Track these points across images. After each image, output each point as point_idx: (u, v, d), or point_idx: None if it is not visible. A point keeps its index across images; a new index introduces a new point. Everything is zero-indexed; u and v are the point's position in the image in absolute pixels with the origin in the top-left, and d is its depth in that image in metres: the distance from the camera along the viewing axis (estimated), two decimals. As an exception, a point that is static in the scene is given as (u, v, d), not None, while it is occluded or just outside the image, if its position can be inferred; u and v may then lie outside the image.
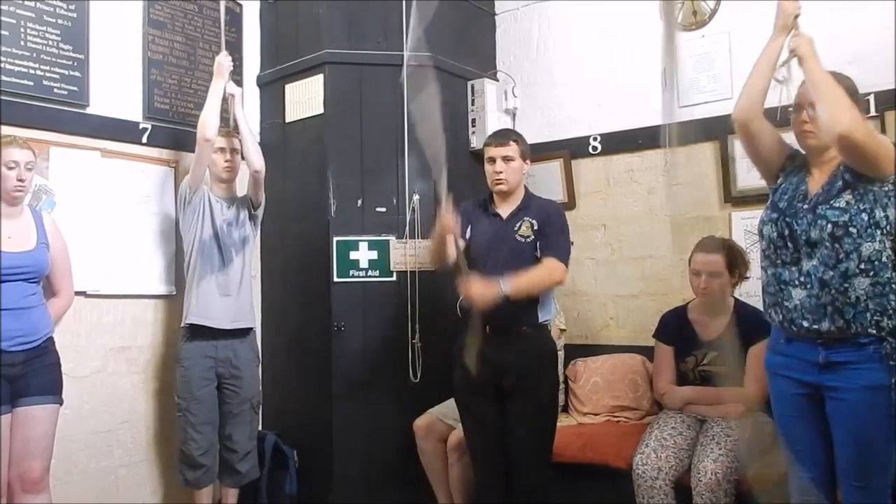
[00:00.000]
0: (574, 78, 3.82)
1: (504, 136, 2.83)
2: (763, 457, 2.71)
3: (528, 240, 2.71)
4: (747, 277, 2.95)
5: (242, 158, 3.27)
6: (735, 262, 2.89)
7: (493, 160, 2.77)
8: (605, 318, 3.69)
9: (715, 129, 3.30)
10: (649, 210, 3.56)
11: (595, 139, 3.71)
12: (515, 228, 2.73)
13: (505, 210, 2.80)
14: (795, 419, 2.17)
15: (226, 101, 3.21)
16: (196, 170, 3.11)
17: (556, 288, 2.88)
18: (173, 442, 3.27)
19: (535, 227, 2.71)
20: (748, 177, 3.17)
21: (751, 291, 3.06)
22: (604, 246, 3.70)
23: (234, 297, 3.18)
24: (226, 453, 3.18)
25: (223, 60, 3.16)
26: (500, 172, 2.74)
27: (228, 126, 3.30)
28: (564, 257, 2.70)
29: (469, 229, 2.80)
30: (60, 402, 2.72)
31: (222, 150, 3.20)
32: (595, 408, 3.40)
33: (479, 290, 2.54)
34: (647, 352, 3.30)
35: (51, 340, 2.74)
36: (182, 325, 3.15)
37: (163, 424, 3.35)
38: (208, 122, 3.05)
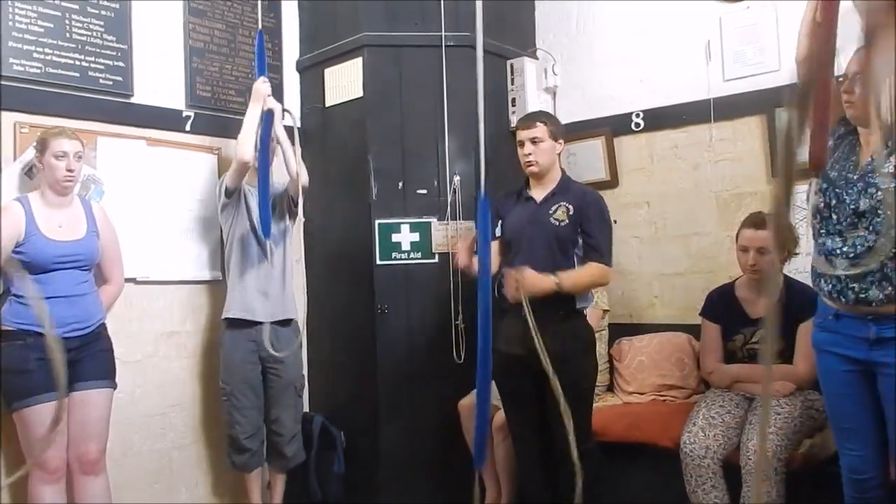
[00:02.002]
0: (615, 54, 3.75)
1: (531, 118, 2.81)
2: (813, 435, 2.69)
3: (563, 224, 2.69)
4: (797, 253, 2.88)
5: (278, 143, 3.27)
6: (784, 238, 2.82)
7: (522, 143, 2.77)
8: (650, 296, 3.65)
9: (762, 103, 3.22)
10: (694, 186, 3.49)
11: (637, 115, 3.64)
12: (551, 212, 2.72)
13: (539, 193, 2.78)
14: (845, 396, 2.13)
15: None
16: (234, 177, 3.12)
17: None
18: (223, 425, 3.34)
19: (571, 213, 2.69)
20: (797, 150, 3.08)
21: (800, 268, 2.99)
22: (647, 224, 3.65)
23: (276, 291, 3.21)
24: (272, 437, 3.24)
25: (260, 87, 3.10)
26: (530, 154, 2.74)
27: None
28: (610, 257, 2.71)
29: (500, 224, 2.80)
30: (114, 386, 2.81)
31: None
32: (641, 387, 3.38)
33: (532, 280, 2.54)
34: (694, 330, 3.25)
35: (103, 326, 2.82)
36: (224, 317, 3.21)
37: (213, 407, 3.41)
38: (246, 147, 3.05)
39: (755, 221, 2.85)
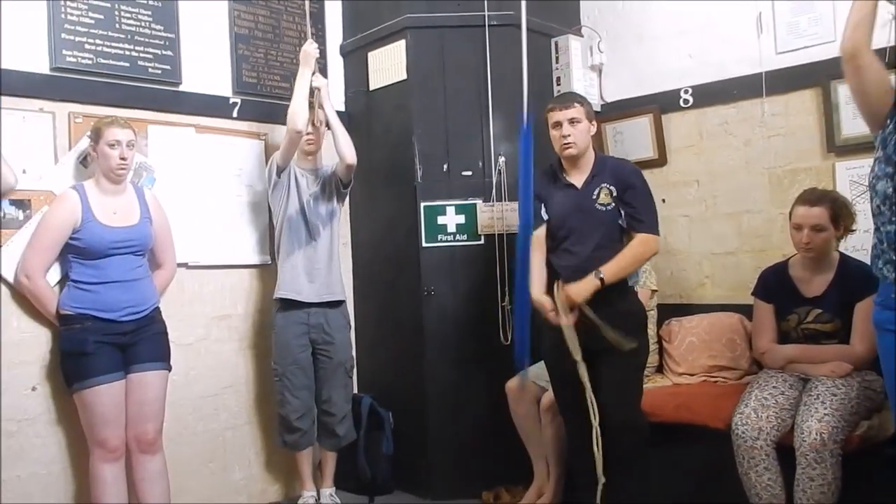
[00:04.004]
0: (663, 29, 3.66)
1: (567, 99, 2.77)
2: (870, 416, 2.62)
3: (610, 208, 2.65)
4: (853, 230, 2.79)
5: (328, 127, 3.29)
6: (840, 214, 2.73)
7: (559, 124, 2.70)
8: (700, 276, 3.58)
9: (816, 75, 3.12)
10: (745, 163, 3.41)
11: (686, 92, 3.56)
12: (594, 197, 2.68)
13: (578, 178, 2.73)
14: (907, 376, 2.06)
15: (312, 94, 3.18)
16: (286, 154, 3.16)
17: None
18: (274, 405, 3.41)
19: (615, 195, 2.65)
20: (854, 124, 2.98)
21: (857, 245, 2.90)
22: (697, 202, 3.58)
23: (323, 272, 3.24)
24: (323, 417, 3.29)
25: (309, 49, 3.13)
26: (569, 136, 2.67)
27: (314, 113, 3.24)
28: (654, 225, 2.66)
29: (544, 207, 2.77)
30: (169, 368, 2.88)
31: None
32: (691, 368, 3.33)
33: (577, 291, 2.56)
34: (745, 310, 3.19)
35: (157, 310, 2.89)
36: (275, 297, 3.25)
37: (265, 388, 3.48)
38: (298, 115, 3.06)
39: (809, 198, 2.77)
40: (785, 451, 2.56)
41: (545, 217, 2.76)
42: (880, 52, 2.10)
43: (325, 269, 3.26)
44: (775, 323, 2.90)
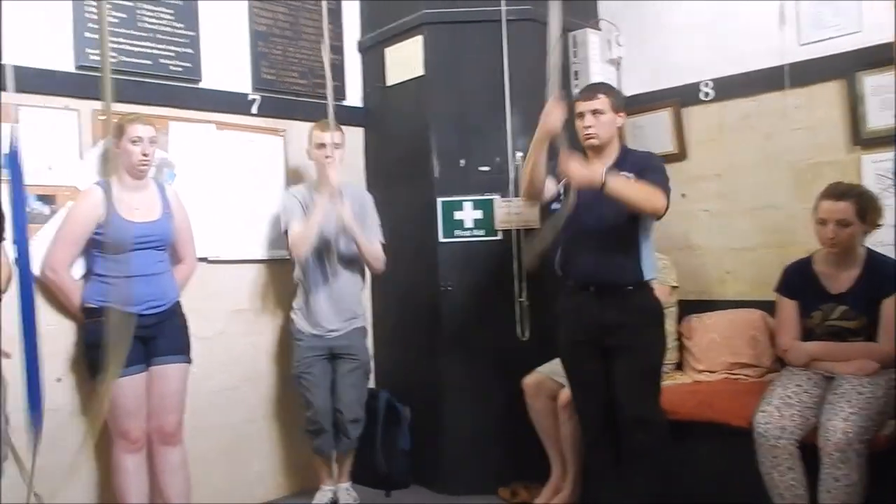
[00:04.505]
0: (683, 21, 3.61)
1: (592, 90, 2.75)
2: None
3: None
4: (880, 225, 2.73)
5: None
6: (866, 209, 2.68)
7: (581, 115, 2.70)
8: (721, 272, 3.53)
9: (841, 67, 3.06)
10: (767, 157, 3.35)
11: (707, 85, 3.52)
12: None
13: (599, 164, 2.71)
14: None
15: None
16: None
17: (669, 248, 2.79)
18: (291, 399, 3.43)
19: (631, 179, 2.62)
20: (881, 116, 2.93)
21: (885, 240, 2.84)
22: (718, 197, 3.53)
23: (344, 305, 3.25)
24: (337, 416, 3.28)
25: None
26: (590, 127, 2.67)
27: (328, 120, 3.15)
28: (665, 191, 2.58)
29: (564, 188, 2.74)
30: (190, 361, 2.92)
31: (321, 145, 3.18)
32: (711, 365, 3.29)
33: (580, 170, 2.49)
34: (767, 307, 3.14)
35: (178, 304, 2.93)
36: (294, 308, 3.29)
37: (282, 384, 3.51)
38: (305, 242, 3.07)
39: (834, 192, 2.71)
40: (808, 451, 2.51)
41: (560, 190, 2.73)
42: (884, 48, 2.05)
43: (349, 302, 3.28)
44: (799, 320, 2.84)
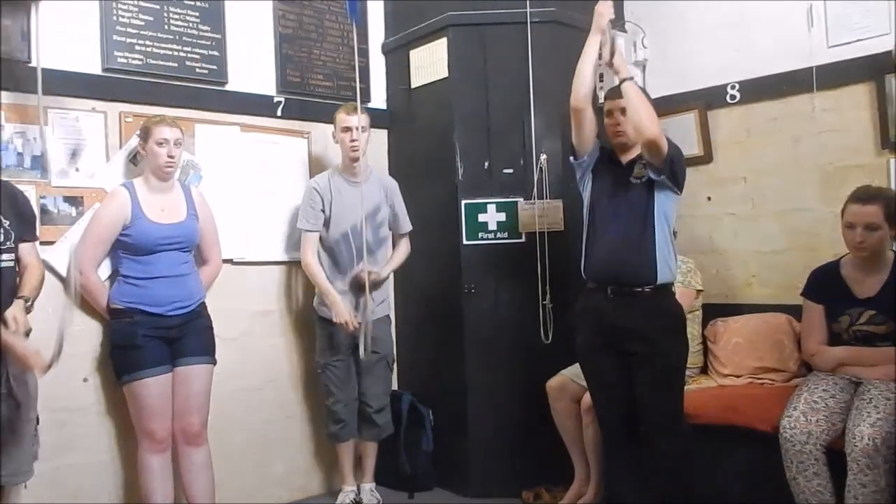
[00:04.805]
0: (709, 23, 3.59)
1: (619, 90, 2.73)
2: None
3: (642, 180, 2.64)
4: (909, 229, 2.70)
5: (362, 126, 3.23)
6: (895, 212, 2.65)
7: (610, 113, 2.73)
8: (747, 275, 3.50)
9: (869, 69, 3.03)
10: (794, 160, 3.32)
11: (733, 87, 3.49)
12: (631, 172, 2.69)
13: (625, 158, 2.76)
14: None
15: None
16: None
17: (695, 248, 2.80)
18: (315, 399, 3.45)
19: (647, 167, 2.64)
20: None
21: (914, 245, 2.81)
22: (744, 200, 3.50)
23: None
24: (363, 407, 3.31)
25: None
26: (619, 125, 2.70)
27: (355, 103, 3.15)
28: (678, 173, 2.63)
29: (591, 179, 2.80)
30: (214, 362, 2.93)
31: (347, 128, 3.17)
32: (737, 369, 3.26)
33: (618, 57, 2.71)
34: (793, 311, 3.11)
35: (203, 305, 2.95)
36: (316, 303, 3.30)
37: (306, 384, 3.53)
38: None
39: (862, 196, 2.68)
40: (835, 456, 2.49)
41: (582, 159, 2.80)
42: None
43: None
44: (825, 324, 2.82)
